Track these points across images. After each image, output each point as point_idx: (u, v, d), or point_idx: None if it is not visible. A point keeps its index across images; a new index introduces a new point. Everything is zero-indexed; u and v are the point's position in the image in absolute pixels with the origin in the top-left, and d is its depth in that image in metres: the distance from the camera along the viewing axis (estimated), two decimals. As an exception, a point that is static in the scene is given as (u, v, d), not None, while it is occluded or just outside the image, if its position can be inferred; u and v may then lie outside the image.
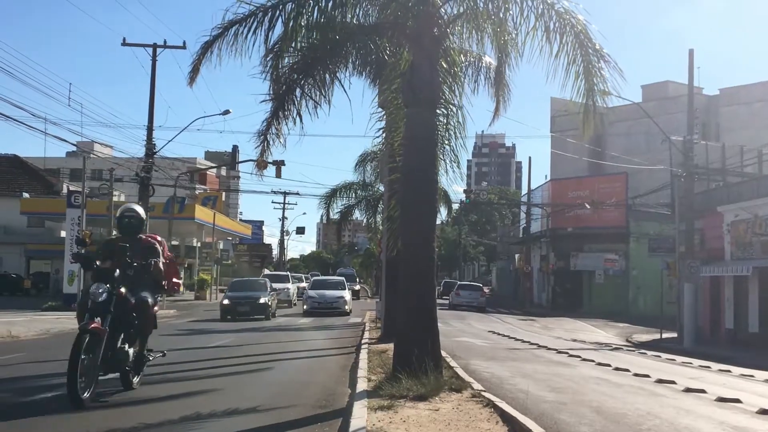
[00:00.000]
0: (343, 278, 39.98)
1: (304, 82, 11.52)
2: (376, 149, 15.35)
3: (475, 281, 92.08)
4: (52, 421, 8.35)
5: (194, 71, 11.60)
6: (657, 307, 35.46)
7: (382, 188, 22.80)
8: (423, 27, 10.85)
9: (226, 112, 35.58)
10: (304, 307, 34.25)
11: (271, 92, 11.68)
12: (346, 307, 34.24)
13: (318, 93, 11.64)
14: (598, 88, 10.82)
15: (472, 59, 13.34)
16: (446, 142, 12.07)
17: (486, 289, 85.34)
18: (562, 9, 10.51)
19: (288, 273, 50.32)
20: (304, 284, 48.63)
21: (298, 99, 11.55)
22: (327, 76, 11.64)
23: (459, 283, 55.54)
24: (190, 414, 8.59)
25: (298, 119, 11.60)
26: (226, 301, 30.42)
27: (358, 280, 65.32)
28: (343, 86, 11.86)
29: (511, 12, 10.65)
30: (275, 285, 37.06)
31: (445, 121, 12.02)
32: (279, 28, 10.97)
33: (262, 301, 30.15)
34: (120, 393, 10.25)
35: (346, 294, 35.26)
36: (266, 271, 47.01)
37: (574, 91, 10.84)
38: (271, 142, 11.73)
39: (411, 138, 11.03)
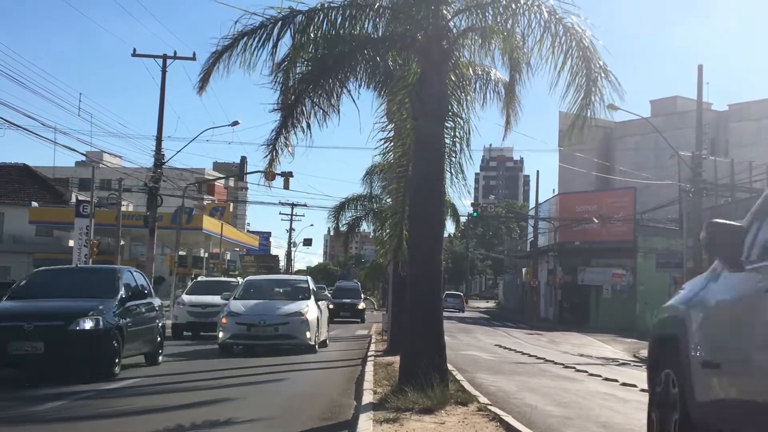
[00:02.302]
0: (307, 279, 21.92)
1: (313, 93, 11.56)
2: (383, 161, 15.36)
3: (482, 294, 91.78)
4: (56, 429, 8.36)
5: (204, 80, 11.63)
6: (665, 323, 35.24)
7: (389, 200, 22.75)
8: (432, 40, 10.88)
9: (235, 123, 35.66)
10: (220, 335, 18.41)
11: (280, 103, 11.71)
12: (307, 334, 18.23)
13: (327, 104, 11.68)
14: (599, 102, 10.86)
15: (481, 72, 13.35)
16: (454, 155, 12.08)
17: (493, 302, 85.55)
18: (569, 23, 10.54)
19: (238, 279, 31.59)
20: None
21: (308, 110, 11.59)
22: (336, 87, 11.68)
23: (446, 293, 66.06)
24: (195, 423, 8.58)
25: (307, 130, 11.63)
26: None
27: (363, 295, 48.74)
28: (352, 97, 11.91)
29: (519, 25, 10.66)
30: (203, 298, 23.55)
31: (452, 134, 12.05)
32: (288, 40, 11.05)
33: (85, 326, 12.01)
34: (125, 403, 10.27)
35: (309, 309, 18.70)
36: (201, 278, 30.17)
37: (572, 103, 10.93)
38: (279, 153, 11.74)
39: (419, 151, 11.04)
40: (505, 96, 13.11)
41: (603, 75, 10.66)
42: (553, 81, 10.67)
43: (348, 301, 40.84)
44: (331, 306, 36.40)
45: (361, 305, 42.14)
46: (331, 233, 39.39)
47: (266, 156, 11.80)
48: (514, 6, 10.48)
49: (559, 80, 10.66)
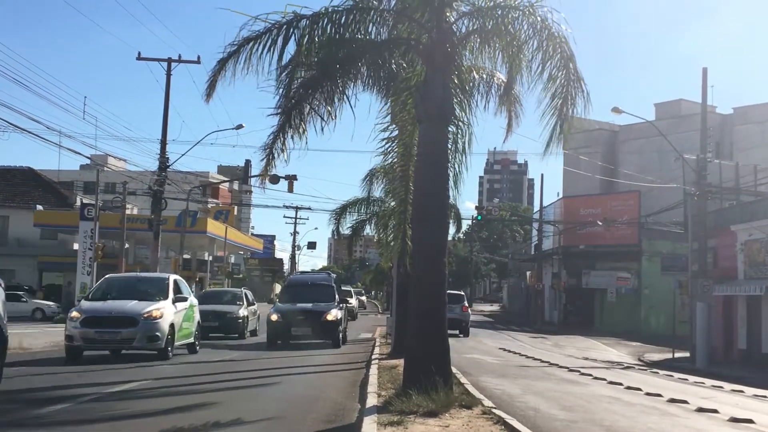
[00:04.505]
0: None
1: (312, 98, 11.59)
2: (384, 162, 15.35)
3: (486, 298, 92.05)
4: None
5: (211, 87, 11.67)
6: (669, 326, 35.24)
7: (393, 203, 22.49)
8: (436, 42, 10.91)
9: (239, 126, 35.64)
10: None
11: (281, 107, 11.71)
12: None
13: (324, 110, 11.70)
14: (571, 109, 11.08)
15: (486, 77, 13.41)
16: (457, 157, 12.14)
17: (497, 306, 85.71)
18: (556, 33, 10.77)
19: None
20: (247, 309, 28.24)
21: (305, 114, 11.61)
22: (336, 92, 11.71)
23: None
24: (199, 425, 8.58)
25: (303, 134, 11.65)
26: None
27: (355, 297, 32.43)
28: (350, 103, 11.89)
29: (514, 28, 10.84)
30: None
31: (456, 137, 12.08)
32: (293, 45, 11.07)
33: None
34: (129, 406, 10.27)
35: None
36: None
37: (548, 107, 11.17)
38: (276, 156, 11.76)
39: (422, 154, 11.05)
40: (506, 99, 13.18)
41: (578, 85, 10.93)
42: (536, 85, 11.08)
43: (306, 307, 23.13)
44: (273, 318, 23.06)
45: (333, 314, 23.12)
46: (335, 237, 37.74)
47: (263, 159, 11.84)
48: (512, 11, 10.67)
49: (538, 84, 11.12)
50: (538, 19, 10.70)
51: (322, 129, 11.75)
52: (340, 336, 23.67)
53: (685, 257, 30.80)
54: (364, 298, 70.34)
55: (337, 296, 24.54)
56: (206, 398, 10.91)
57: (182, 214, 41.42)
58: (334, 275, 28.30)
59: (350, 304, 43.96)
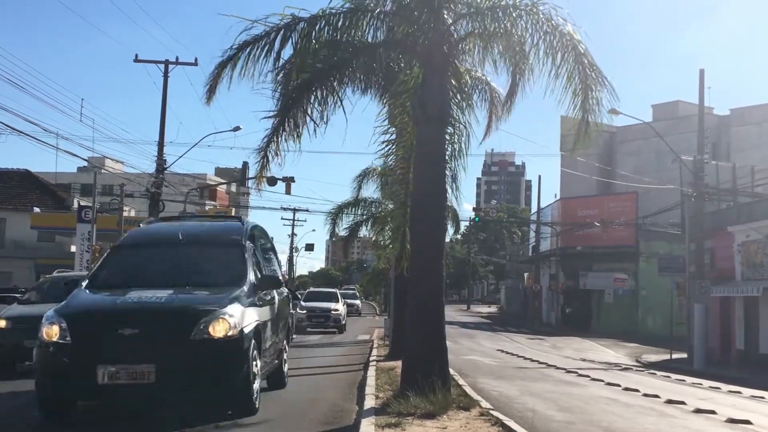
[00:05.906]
0: None
1: (306, 100, 11.60)
2: (385, 165, 15.33)
3: (484, 299, 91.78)
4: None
5: (210, 91, 11.67)
6: (667, 328, 35.25)
7: (390, 205, 22.44)
8: (433, 44, 10.91)
9: (237, 128, 35.58)
10: None
11: (275, 110, 11.70)
12: None
13: (319, 112, 11.72)
14: (597, 107, 10.99)
15: (478, 75, 13.47)
16: (455, 158, 12.16)
17: (495, 307, 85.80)
18: (565, 30, 10.65)
19: None
20: None
21: (299, 117, 11.62)
22: (331, 94, 11.72)
23: None
24: (194, 425, 8.56)
25: (298, 137, 11.65)
26: None
27: (272, 275, 11.33)
28: (343, 107, 11.91)
29: (517, 29, 10.77)
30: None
31: (453, 138, 12.10)
32: (290, 48, 11.08)
33: None
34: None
35: None
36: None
37: (570, 107, 11.04)
38: (270, 159, 11.76)
39: (420, 156, 11.07)
40: (489, 100, 13.28)
41: (599, 80, 10.80)
42: (554, 87, 10.92)
43: (151, 303, 8.69)
44: (52, 334, 8.56)
45: (230, 321, 8.56)
46: (332, 238, 37.00)
47: (257, 162, 11.84)
48: (513, 11, 10.60)
49: (556, 86, 10.92)
50: (542, 18, 10.58)
51: (315, 132, 11.76)
52: (256, 380, 9.32)
53: (683, 258, 30.82)
54: (358, 302, 65.52)
55: (251, 273, 10.00)
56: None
57: (180, 216, 41.30)
58: (253, 223, 12.06)
59: (336, 310, 34.49)
